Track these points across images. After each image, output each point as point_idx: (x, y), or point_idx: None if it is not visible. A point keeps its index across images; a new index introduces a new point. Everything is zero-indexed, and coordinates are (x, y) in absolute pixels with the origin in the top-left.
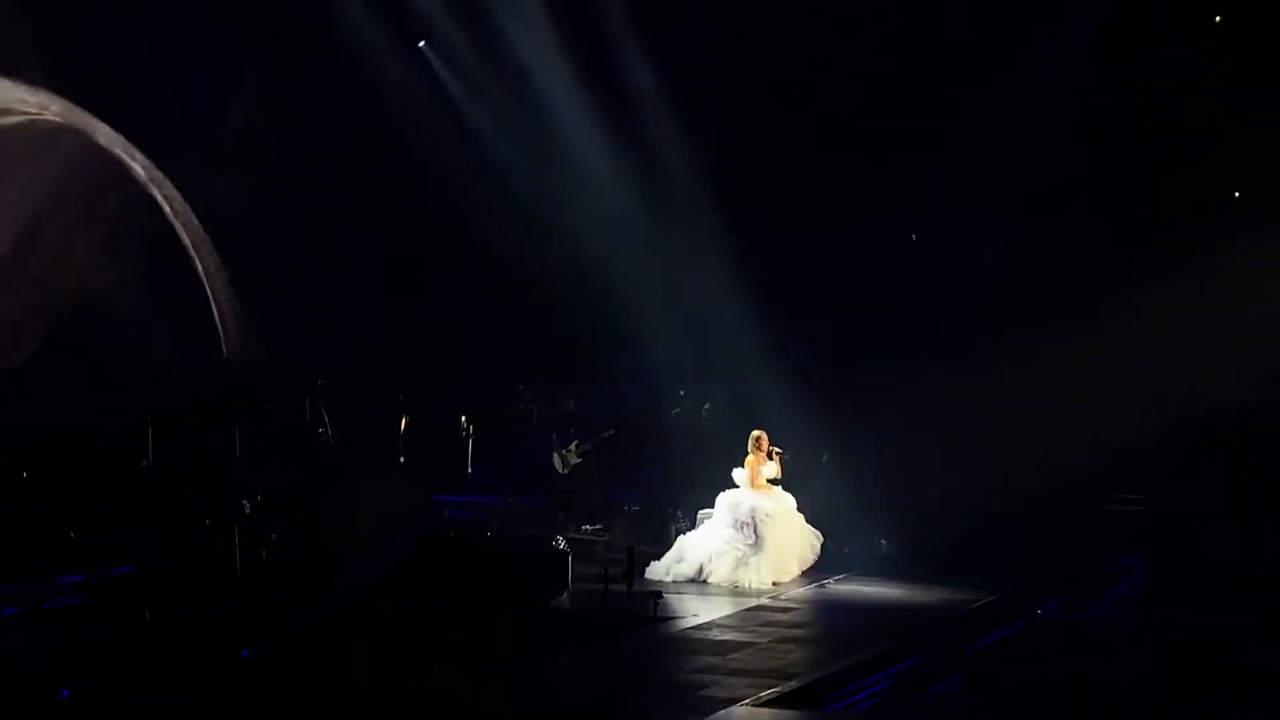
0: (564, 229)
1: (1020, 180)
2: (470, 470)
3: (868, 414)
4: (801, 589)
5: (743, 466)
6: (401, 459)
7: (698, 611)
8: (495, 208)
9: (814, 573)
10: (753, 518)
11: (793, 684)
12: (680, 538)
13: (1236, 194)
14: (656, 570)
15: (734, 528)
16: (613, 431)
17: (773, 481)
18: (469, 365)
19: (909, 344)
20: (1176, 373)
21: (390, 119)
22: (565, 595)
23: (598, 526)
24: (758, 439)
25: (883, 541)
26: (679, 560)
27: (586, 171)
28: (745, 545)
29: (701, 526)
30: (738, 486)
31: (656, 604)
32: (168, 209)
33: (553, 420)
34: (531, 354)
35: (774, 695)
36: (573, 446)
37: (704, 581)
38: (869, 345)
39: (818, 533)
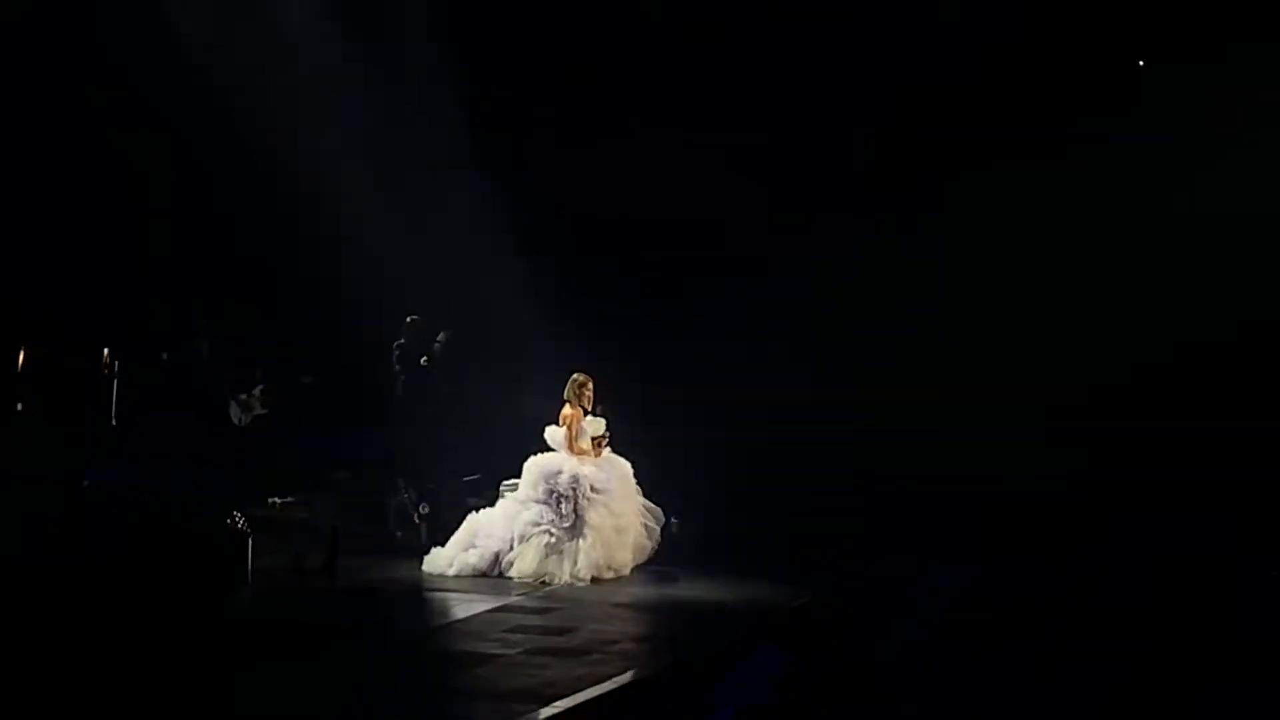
0: (265, 111)
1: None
2: (115, 423)
3: (660, 353)
4: (559, 584)
5: (558, 423)
6: (20, 405)
7: (432, 612)
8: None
9: None
10: (573, 490)
11: (547, 711)
12: (471, 516)
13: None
14: (435, 561)
15: (547, 503)
16: (312, 378)
17: (598, 442)
18: (115, 280)
19: (717, 266)
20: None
21: None
22: (244, 591)
23: (290, 499)
24: (581, 385)
25: (674, 521)
26: (468, 548)
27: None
28: (560, 528)
29: (501, 503)
30: (552, 450)
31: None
32: None
33: (233, 356)
34: (208, 269)
35: None
36: (257, 392)
37: (501, 576)
38: (665, 269)
39: (658, 511)
